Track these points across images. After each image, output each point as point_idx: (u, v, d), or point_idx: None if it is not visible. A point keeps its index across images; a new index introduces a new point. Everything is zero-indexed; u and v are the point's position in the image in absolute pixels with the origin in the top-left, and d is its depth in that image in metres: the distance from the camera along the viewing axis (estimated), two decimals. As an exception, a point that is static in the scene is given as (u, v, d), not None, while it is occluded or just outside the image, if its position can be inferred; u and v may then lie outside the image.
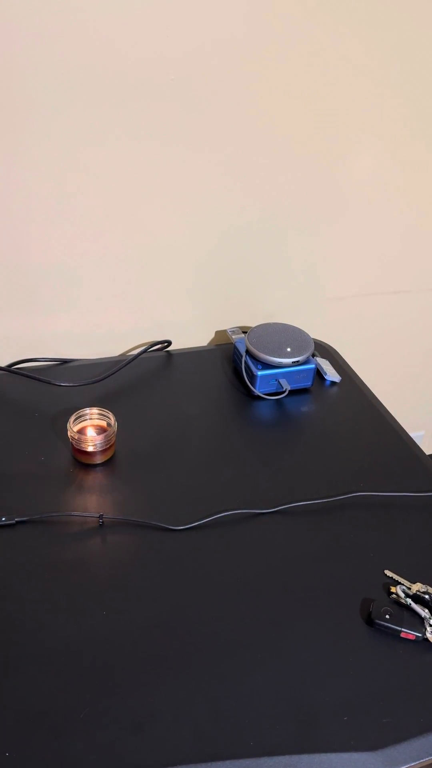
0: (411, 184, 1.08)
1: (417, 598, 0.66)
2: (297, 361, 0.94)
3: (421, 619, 0.64)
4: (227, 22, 0.82)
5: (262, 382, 0.94)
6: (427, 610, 0.65)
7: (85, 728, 0.55)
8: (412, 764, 0.54)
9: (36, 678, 0.58)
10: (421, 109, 1.00)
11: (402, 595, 0.66)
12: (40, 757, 0.52)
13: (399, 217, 1.11)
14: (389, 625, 0.63)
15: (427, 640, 0.63)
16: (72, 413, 0.83)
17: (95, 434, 0.81)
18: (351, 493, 0.79)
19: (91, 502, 0.76)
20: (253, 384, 0.95)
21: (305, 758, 0.54)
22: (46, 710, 0.56)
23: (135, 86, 0.82)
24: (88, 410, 0.83)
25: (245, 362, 0.96)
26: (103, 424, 0.83)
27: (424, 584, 0.67)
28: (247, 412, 0.93)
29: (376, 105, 0.96)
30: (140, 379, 0.97)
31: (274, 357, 0.93)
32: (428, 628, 0.63)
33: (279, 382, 0.95)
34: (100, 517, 0.73)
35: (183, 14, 0.79)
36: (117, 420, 0.84)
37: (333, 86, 0.92)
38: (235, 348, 1.00)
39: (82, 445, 0.79)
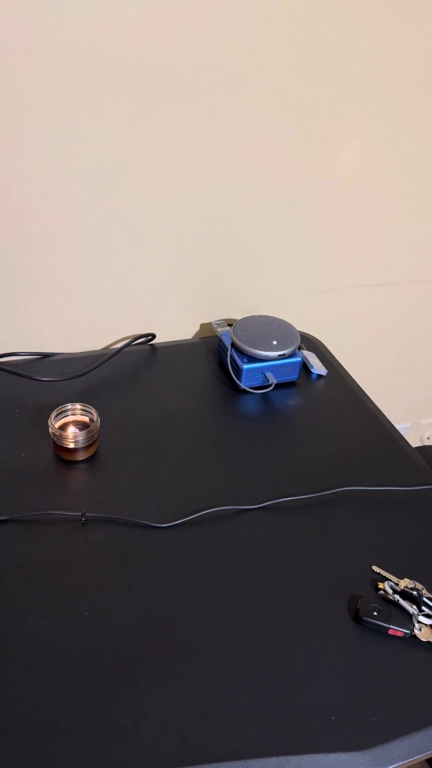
0: (399, 177, 1.07)
1: (405, 594, 0.66)
2: (283, 354, 0.93)
3: (409, 616, 0.63)
4: (215, 8, 0.80)
5: (248, 375, 0.93)
6: (414, 607, 0.64)
7: (66, 735, 0.53)
8: (401, 764, 0.54)
9: (15, 682, 0.56)
10: (410, 102, 0.98)
11: (390, 591, 0.65)
12: (18, 766, 0.51)
13: (386, 209, 1.10)
14: (377, 622, 0.62)
15: (415, 636, 0.62)
16: (53, 409, 0.81)
17: (77, 430, 0.80)
18: (338, 488, 0.78)
19: (73, 500, 0.74)
20: (238, 377, 0.93)
21: (293, 760, 0.53)
22: (25, 716, 0.54)
23: (118, 71, 0.80)
24: (70, 406, 0.81)
25: (231, 355, 0.95)
26: (86, 419, 0.81)
27: (411, 580, 0.67)
28: (232, 406, 0.91)
29: (364, 97, 0.95)
30: (124, 374, 0.95)
31: (260, 350, 0.92)
32: (416, 625, 0.63)
33: (265, 375, 0.93)
34: (83, 515, 0.71)
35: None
36: (100, 415, 0.83)
37: (324, 75, 0.90)
38: (221, 341, 0.98)
39: (64, 442, 0.78)
